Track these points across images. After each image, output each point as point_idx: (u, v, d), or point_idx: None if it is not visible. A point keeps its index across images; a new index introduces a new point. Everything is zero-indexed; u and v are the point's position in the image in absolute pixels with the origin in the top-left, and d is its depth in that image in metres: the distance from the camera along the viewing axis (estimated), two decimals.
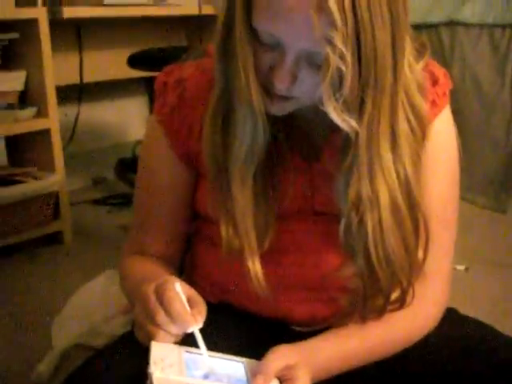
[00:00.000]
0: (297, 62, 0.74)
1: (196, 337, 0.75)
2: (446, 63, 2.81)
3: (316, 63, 0.74)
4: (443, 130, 0.91)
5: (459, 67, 2.86)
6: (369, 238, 0.80)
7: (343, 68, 0.70)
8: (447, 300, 0.95)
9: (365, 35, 0.69)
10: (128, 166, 3.26)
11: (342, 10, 0.67)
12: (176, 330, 0.75)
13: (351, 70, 0.70)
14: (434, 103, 0.89)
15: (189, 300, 0.77)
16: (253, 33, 0.75)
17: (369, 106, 0.74)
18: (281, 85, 0.76)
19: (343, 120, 0.74)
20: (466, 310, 1.00)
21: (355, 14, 0.68)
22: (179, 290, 0.76)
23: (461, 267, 2.09)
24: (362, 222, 0.79)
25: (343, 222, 0.81)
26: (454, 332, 0.92)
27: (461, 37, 2.86)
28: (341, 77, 0.71)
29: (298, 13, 0.69)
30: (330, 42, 0.69)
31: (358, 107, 0.73)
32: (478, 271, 2.13)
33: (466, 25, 2.84)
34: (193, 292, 0.79)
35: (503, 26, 2.73)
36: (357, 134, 0.75)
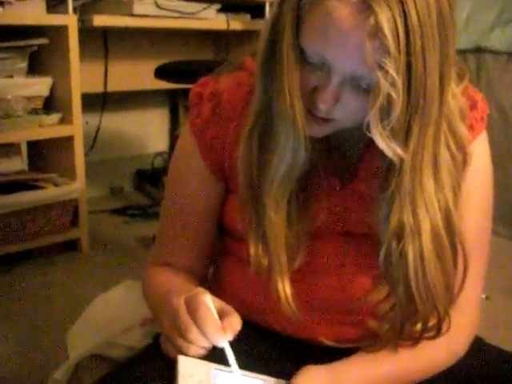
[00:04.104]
0: (342, 84, 0.73)
1: (226, 351, 0.74)
2: None
3: (361, 86, 0.72)
4: (479, 155, 0.90)
5: (485, 95, 2.82)
6: (409, 268, 0.78)
7: (394, 95, 0.68)
8: (476, 330, 0.94)
9: (416, 62, 0.68)
10: (146, 178, 3.27)
11: (396, 36, 0.66)
12: (207, 344, 0.74)
13: (401, 97, 0.69)
14: (471, 128, 0.87)
15: (220, 311, 0.76)
16: (299, 52, 0.74)
17: (415, 134, 0.72)
18: (324, 106, 0.75)
19: (389, 147, 0.72)
20: (487, 338, 0.99)
21: (408, 41, 0.67)
22: (210, 302, 0.75)
23: (482, 296, 2.06)
24: (403, 250, 0.78)
25: (383, 250, 0.80)
26: (480, 360, 0.91)
27: (488, 64, 2.85)
28: (389, 103, 0.69)
29: (352, 37, 0.68)
30: (382, 68, 0.67)
31: (404, 134, 0.72)
32: (499, 300, 2.11)
33: (493, 52, 2.83)
34: (223, 303, 0.78)
35: None
36: (401, 161, 0.74)
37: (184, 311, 0.74)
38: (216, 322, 0.73)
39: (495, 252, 2.54)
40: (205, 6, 2.74)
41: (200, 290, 0.78)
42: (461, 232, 0.81)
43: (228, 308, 0.77)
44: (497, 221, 2.82)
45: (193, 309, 0.74)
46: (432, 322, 0.83)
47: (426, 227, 0.77)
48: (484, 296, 2.07)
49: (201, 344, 0.73)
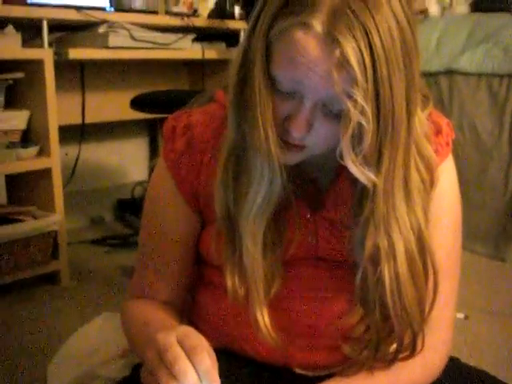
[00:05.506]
0: (314, 111, 0.75)
1: None
2: (444, 112, 2.84)
3: (332, 112, 0.74)
4: (446, 178, 0.92)
5: (458, 116, 2.89)
6: (386, 290, 0.79)
7: (364, 123, 0.70)
8: (450, 348, 0.95)
9: (383, 90, 0.70)
10: (127, 208, 3.26)
11: (362, 66, 0.68)
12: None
13: (371, 124, 0.71)
14: (437, 152, 0.89)
15: None
16: (271, 82, 0.76)
17: (386, 159, 0.74)
18: (297, 133, 0.76)
19: (363, 173, 0.74)
20: (466, 358, 1.00)
21: (375, 70, 0.69)
22: (207, 343, 0.72)
23: (460, 315, 2.08)
24: (379, 274, 0.79)
25: (359, 274, 0.81)
26: (458, 382, 0.92)
27: (459, 86, 2.91)
28: (360, 131, 0.71)
29: (319, 68, 0.70)
30: (351, 97, 0.69)
31: (376, 160, 0.74)
32: (478, 320, 2.12)
33: (464, 74, 2.89)
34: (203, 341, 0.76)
35: (501, 76, 2.77)
36: (374, 186, 0.75)
37: (176, 345, 0.70)
38: (211, 364, 0.70)
39: (473, 270, 2.58)
40: (180, 36, 2.77)
41: (191, 328, 0.74)
42: (431, 250, 0.83)
43: (211, 352, 0.74)
44: (474, 239, 2.86)
45: (189, 346, 0.70)
46: (406, 341, 0.84)
47: (400, 249, 0.79)
48: (463, 316, 2.09)
49: (188, 379, 0.70)
